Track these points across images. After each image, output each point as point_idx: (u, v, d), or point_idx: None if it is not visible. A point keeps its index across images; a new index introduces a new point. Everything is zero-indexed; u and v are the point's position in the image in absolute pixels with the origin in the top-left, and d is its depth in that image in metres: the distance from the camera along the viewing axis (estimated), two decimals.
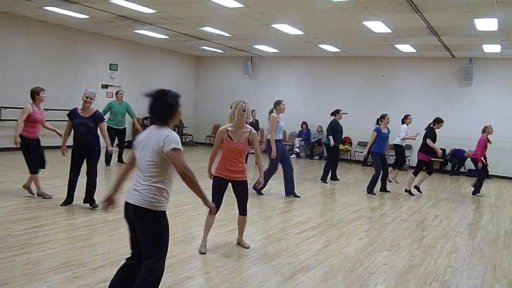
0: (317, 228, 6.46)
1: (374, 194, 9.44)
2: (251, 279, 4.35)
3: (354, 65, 15.95)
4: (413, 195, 9.78)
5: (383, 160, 9.54)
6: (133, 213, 3.06)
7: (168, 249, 3.21)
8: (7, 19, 12.06)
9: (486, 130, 10.27)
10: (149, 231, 3.07)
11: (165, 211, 3.12)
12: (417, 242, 6.08)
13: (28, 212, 6.22)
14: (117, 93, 11.61)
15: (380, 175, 9.62)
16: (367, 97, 15.56)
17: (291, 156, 16.14)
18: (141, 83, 16.26)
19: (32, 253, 4.59)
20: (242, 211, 5.13)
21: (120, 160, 11.59)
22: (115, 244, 5.09)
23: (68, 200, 6.73)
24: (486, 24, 9.33)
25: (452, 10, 8.57)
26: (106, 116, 10.83)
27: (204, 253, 4.94)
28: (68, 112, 6.70)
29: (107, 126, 10.82)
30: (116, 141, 11.10)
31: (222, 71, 18.64)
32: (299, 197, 8.65)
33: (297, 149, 16.27)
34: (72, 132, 6.62)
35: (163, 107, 3.10)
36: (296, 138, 16.47)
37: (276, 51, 15.80)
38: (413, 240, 6.20)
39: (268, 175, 8.63)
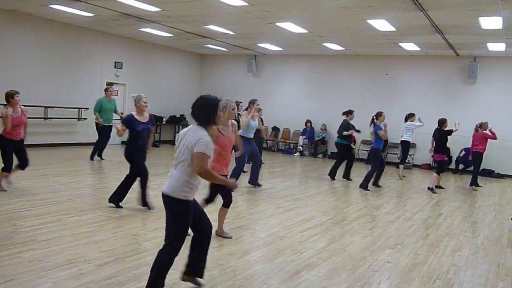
0: (320, 226, 6.47)
1: (369, 190, 9.54)
2: (255, 276, 4.37)
3: (358, 63, 15.91)
4: (443, 187, 10.43)
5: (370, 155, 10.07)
6: (162, 199, 3.56)
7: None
8: (13, 17, 12.10)
9: (482, 126, 10.93)
10: (169, 215, 3.56)
11: (187, 201, 3.50)
12: (421, 240, 6.09)
13: (33, 209, 6.25)
14: (106, 90, 11.46)
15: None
16: (371, 95, 15.51)
17: (295, 155, 16.19)
18: (146, 81, 16.31)
19: (38, 250, 4.62)
20: (228, 203, 5.44)
21: (100, 155, 11.42)
22: (120, 241, 5.13)
23: (145, 203, 6.60)
24: (491, 22, 9.29)
25: (457, 8, 8.54)
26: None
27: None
28: (124, 118, 6.45)
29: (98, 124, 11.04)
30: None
31: (226, 69, 18.65)
32: (260, 185, 9.05)
33: (300, 147, 16.27)
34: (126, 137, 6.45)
35: (196, 109, 3.58)
36: (300, 136, 16.45)
37: (280, 49, 15.79)
38: (416, 238, 6.20)
39: (237, 171, 8.52)
